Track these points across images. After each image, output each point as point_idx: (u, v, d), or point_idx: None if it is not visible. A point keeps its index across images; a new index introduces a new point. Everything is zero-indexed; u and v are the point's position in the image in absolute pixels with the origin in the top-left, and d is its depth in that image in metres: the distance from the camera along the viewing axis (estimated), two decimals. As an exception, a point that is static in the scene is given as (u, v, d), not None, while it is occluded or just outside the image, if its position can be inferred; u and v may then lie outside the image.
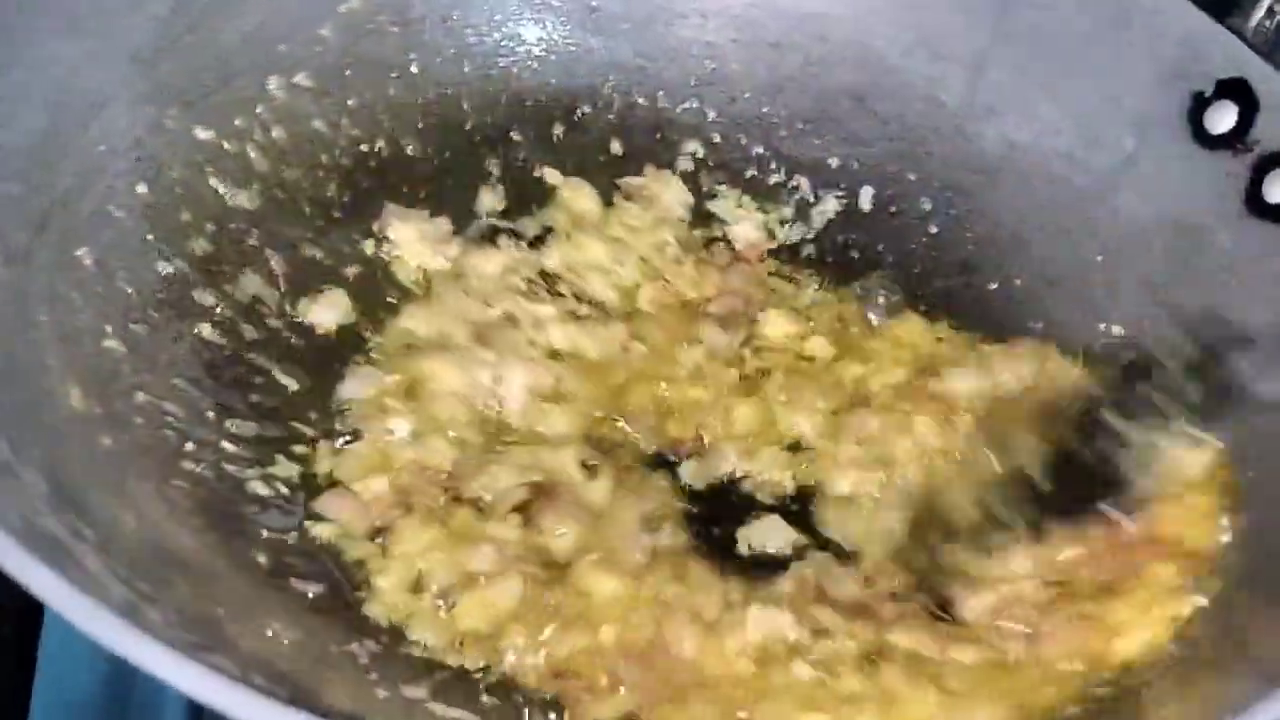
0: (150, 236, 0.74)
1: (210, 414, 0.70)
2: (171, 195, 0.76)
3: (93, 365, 0.65)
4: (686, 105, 0.96)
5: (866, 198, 0.95)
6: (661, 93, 0.96)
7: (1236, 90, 0.77)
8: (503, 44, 0.94)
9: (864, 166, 0.95)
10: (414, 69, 0.90)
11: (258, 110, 0.82)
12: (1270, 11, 0.76)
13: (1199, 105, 0.79)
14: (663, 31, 0.97)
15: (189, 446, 0.67)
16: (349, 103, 0.87)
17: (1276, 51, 0.75)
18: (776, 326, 0.86)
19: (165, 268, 0.74)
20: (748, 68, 0.97)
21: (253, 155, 0.81)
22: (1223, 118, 0.77)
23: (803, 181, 0.95)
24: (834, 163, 0.95)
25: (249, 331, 0.76)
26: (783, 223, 0.94)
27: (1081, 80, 0.87)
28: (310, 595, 0.64)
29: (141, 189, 0.74)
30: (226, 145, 0.80)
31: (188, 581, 0.57)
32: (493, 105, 0.93)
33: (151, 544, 0.59)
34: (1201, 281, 0.78)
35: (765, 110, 0.97)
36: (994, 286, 0.89)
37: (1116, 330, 0.80)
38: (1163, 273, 0.81)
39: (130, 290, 0.71)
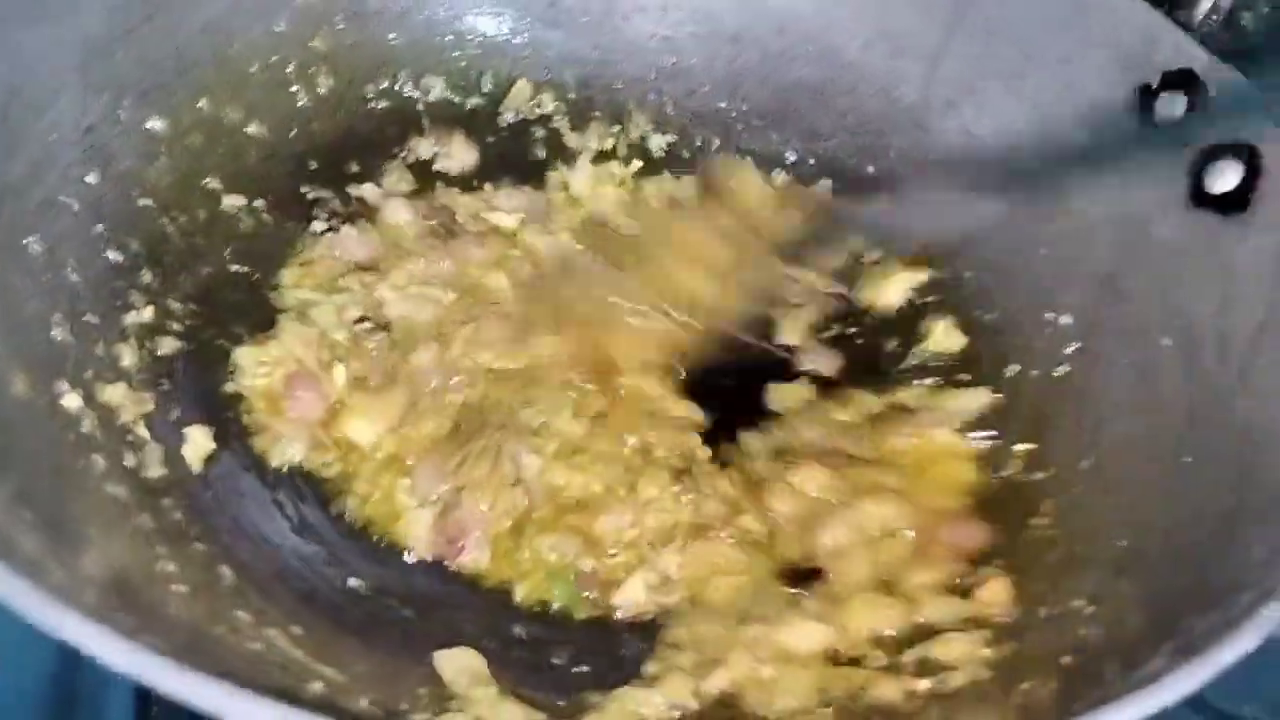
0: (100, 227, 0.74)
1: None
2: (122, 185, 0.76)
3: (40, 355, 0.65)
4: (645, 99, 0.97)
5: (824, 191, 0.95)
6: (620, 85, 0.97)
7: (1184, 82, 0.77)
8: (464, 36, 0.96)
9: (821, 160, 0.96)
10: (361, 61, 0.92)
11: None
12: (1215, 6, 0.76)
13: (1147, 97, 0.79)
14: (621, 25, 0.98)
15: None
16: (303, 95, 0.89)
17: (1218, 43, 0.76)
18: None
19: (115, 257, 0.74)
20: (707, 61, 0.98)
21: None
22: (1170, 109, 0.78)
23: (761, 175, 0.97)
24: (792, 156, 0.96)
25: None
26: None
27: (1037, 73, 0.88)
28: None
29: (92, 179, 0.74)
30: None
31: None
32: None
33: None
34: (1148, 271, 0.79)
35: (723, 104, 0.98)
36: (944, 276, 0.90)
37: (1064, 320, 0.80)
38: (1109, 263, 0.82)
39: (78, 280, 0.71)
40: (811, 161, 0.96)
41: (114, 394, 0.68)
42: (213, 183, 0.82)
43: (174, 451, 0.69)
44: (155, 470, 0.67)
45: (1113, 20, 0.83)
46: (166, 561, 0.60)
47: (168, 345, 0.74)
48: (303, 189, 0.86)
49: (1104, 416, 0.75)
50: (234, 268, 0.80)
